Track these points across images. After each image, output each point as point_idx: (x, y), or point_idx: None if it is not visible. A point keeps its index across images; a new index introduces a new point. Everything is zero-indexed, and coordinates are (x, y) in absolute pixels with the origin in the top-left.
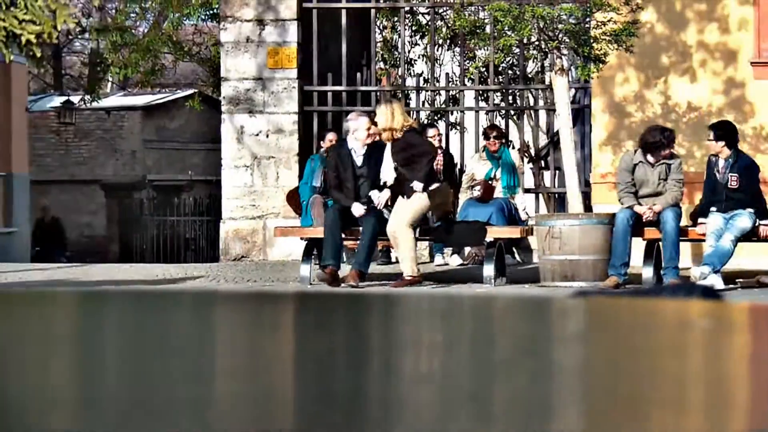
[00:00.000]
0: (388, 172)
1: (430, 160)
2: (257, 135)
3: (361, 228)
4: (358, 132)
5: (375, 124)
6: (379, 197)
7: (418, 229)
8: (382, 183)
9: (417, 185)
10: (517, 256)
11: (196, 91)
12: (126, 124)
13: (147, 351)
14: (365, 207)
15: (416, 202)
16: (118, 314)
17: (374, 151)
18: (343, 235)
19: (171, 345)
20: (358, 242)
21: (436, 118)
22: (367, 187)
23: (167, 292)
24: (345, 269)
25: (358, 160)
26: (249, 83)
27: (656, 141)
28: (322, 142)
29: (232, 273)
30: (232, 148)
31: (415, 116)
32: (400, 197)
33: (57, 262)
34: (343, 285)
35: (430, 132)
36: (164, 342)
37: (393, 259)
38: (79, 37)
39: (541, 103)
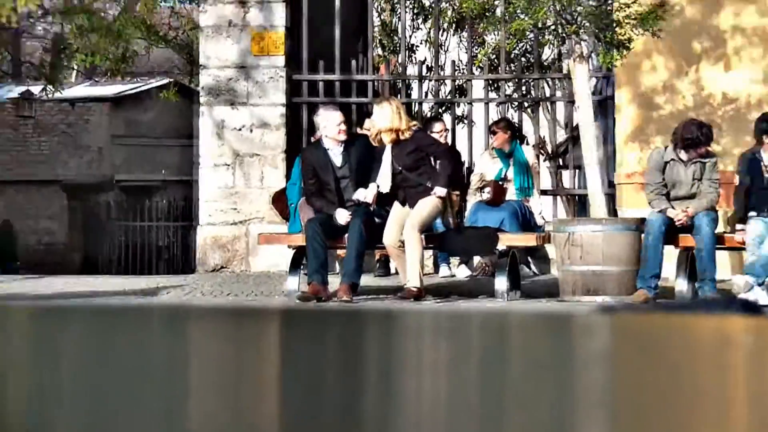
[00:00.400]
0: (384, 178)
1: (450, 162)
2: (239, 130)
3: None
4: (327, 129)
5: (347, 120)
6: (365, 194)
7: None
8: (376, 187)
9: (440, 191)
10: (532, 266)
11: (171, 80)
12: (92, 117)
13: (109, 374)
14: (350, 213)
15: (429, 206)
16: (79, 331)
17: (352, 148)
18: (328, 245)
19: (137, 367)
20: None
21: (440, 110)
22: (350, 190)
23: (136, 307)
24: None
25: (336, 160)
26: (230, 72)
27: (693, 137)
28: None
29: (210, 285)
30: (210, 144)
31: (417, 108)
32: (396, 204)
33: (5, 273)
34: (333, 300)
35: (437, 127)
36: (129, 363)
37: (392, 270)
38: (41, 20)
39: (558, 94)
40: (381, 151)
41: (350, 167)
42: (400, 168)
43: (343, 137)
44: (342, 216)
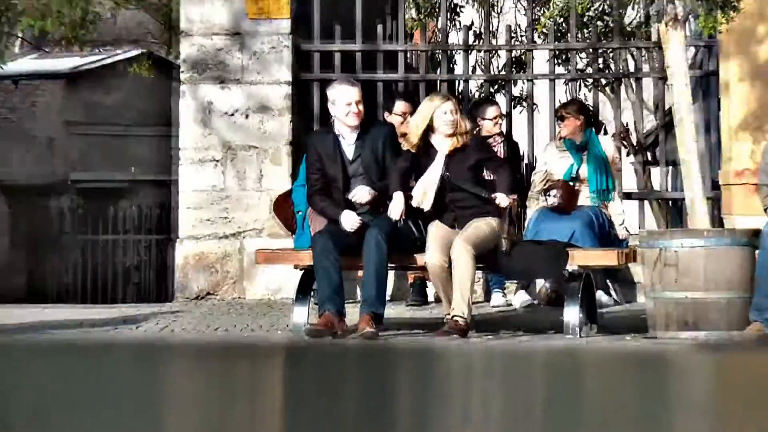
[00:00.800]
0: (429, 193)
1: (511, 172)
2: (232, 115)
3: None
4: (335, 107)
5: (371, 102)
6: (392, 209)
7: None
8: (415, 204)
9: (503, 199)
10: (613, 292)
11: (143, 51)
12: (41, 99)
13: (62, 428)
14: (363, 220)
15: (487, 228)
16: (23, 374)
17: (368, 138)
18: (342, 264)
19: (92, 419)
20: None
21: (492, 90)
22: None
23: (95, 345)
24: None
25: (348, 151)
26: (220, 40)
27: None
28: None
29: (193, 317)
30: (194, 133)
31: (462, 87)
32: (437, 223)
33: None
34: (353, 336)
35: (490, 112)
36: (85, 415)
37: (430, 298)
38: None
39: (646, 68)
40: (425, 159)
41: (363, 161)
42: (449, 176)
43: (354, 121)
44: (348, 219)
